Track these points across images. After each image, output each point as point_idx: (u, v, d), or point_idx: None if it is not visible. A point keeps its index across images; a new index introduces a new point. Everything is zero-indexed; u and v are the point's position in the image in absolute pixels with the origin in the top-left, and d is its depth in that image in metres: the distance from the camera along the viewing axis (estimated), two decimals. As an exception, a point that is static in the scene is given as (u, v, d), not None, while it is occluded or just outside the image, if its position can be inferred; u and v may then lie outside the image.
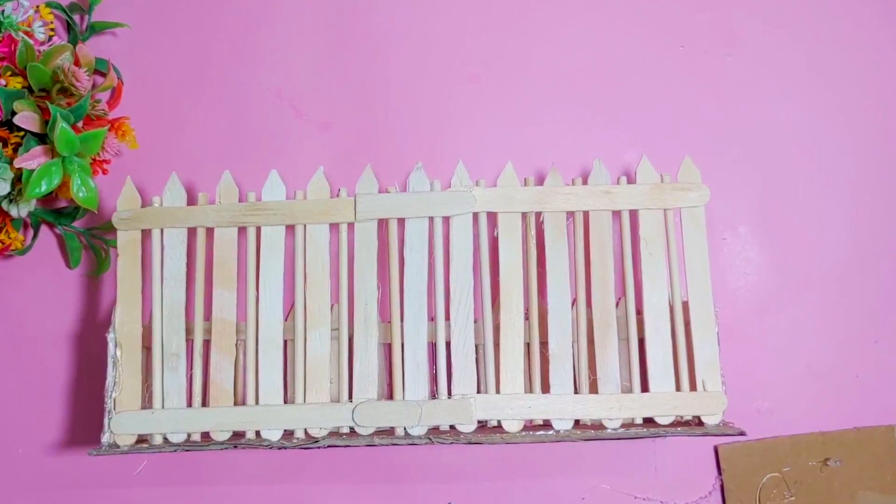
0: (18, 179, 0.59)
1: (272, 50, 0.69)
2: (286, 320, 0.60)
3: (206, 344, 0.58)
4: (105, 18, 0.68)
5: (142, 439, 0.57)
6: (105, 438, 0.56)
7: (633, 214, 0.59)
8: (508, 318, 0.57)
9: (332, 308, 0.58)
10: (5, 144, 0.60)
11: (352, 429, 0.56)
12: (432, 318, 0.58)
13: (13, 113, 0.59)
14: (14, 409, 0.65)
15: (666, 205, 0.58)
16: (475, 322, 0.58)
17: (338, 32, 0.69)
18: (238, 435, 0.57)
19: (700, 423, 0.56)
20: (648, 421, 0.56)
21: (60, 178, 0.59)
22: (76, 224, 0.66)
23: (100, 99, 0.66)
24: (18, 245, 0.64)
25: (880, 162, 0.67)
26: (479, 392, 0.56)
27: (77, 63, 0.63)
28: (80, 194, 0.59)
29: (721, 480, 0.62)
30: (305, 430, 0.56)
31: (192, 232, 0.59)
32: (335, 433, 0.56)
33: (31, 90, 0.61)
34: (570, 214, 0.59)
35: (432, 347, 0.58)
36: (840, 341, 0.65)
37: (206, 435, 0.56)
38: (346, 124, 0.68)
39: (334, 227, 0.59)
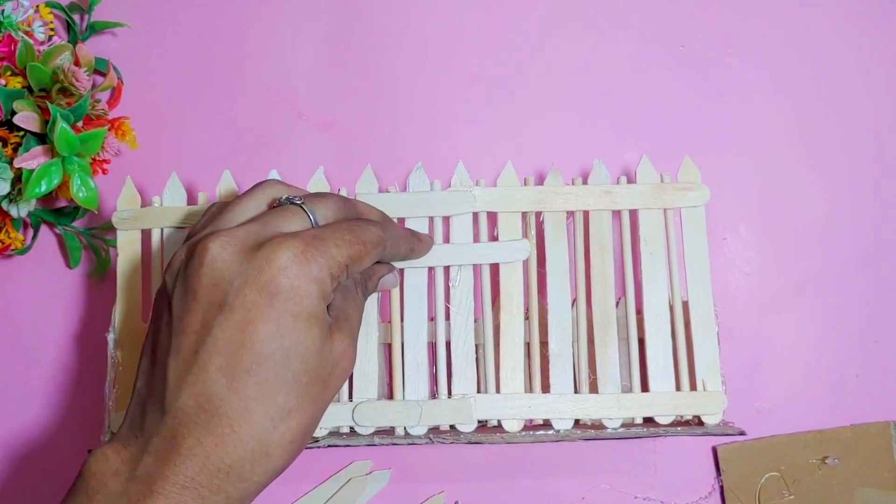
0: (18, 179, 0.59)
1: (272, 50, 0.69)
2: (286, 320, 0.60)
3: (207, 344, 0.58)
4: (105, 18, 0.68)
5: (142, 439, 0.57)
6: (105, 438, 0.56)
7: (633, 214, 0.59)
8: (508, 318, 0.57)
9: (332, 308, 0.58)
10: (5, 144, 0.60)
11: (352, 428, 0.56)
12: (432, 318, 0.58)
13: (13, 113, 0.59)
14: (14, 409, 0.65)
15: (666, 205, 0.58)
16: (475, 322, 0.58)
17: (338, 32, 0.69)
18: (238, 435, 0.56)
19: (700, 423, 0.56)
20: (648, 421, 0.56)
21: (60, 178, 0.59)
22: (76, 224, 0.66)
23: (100, 99, 0.66)
24: (18, 245, 0.64)
25: (881, 161, 0.67)
26: (479, 392, 0.56)
27: (77, 63, 0.63)
28: (80, 194, 0.59)
29: (721, 480, 0.62)
30: (305, 430, 0.56)
31: (192, 232, 0.59)
32: (335, 433, 0.56)
33: (30, 90, 0.61)
34: (570, 214, 0.59)
35: (432, 347, 0.58)
36: (841, 341, 0.65)
37: (206, 435, 0.56)
38: (346, 124, 0.68)
39: (334, 227, 0.59)
